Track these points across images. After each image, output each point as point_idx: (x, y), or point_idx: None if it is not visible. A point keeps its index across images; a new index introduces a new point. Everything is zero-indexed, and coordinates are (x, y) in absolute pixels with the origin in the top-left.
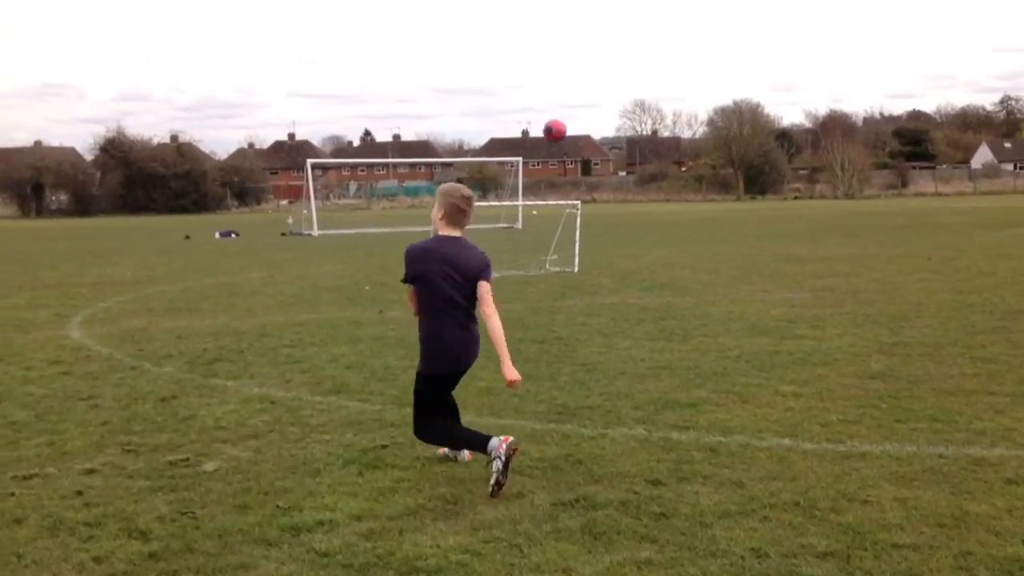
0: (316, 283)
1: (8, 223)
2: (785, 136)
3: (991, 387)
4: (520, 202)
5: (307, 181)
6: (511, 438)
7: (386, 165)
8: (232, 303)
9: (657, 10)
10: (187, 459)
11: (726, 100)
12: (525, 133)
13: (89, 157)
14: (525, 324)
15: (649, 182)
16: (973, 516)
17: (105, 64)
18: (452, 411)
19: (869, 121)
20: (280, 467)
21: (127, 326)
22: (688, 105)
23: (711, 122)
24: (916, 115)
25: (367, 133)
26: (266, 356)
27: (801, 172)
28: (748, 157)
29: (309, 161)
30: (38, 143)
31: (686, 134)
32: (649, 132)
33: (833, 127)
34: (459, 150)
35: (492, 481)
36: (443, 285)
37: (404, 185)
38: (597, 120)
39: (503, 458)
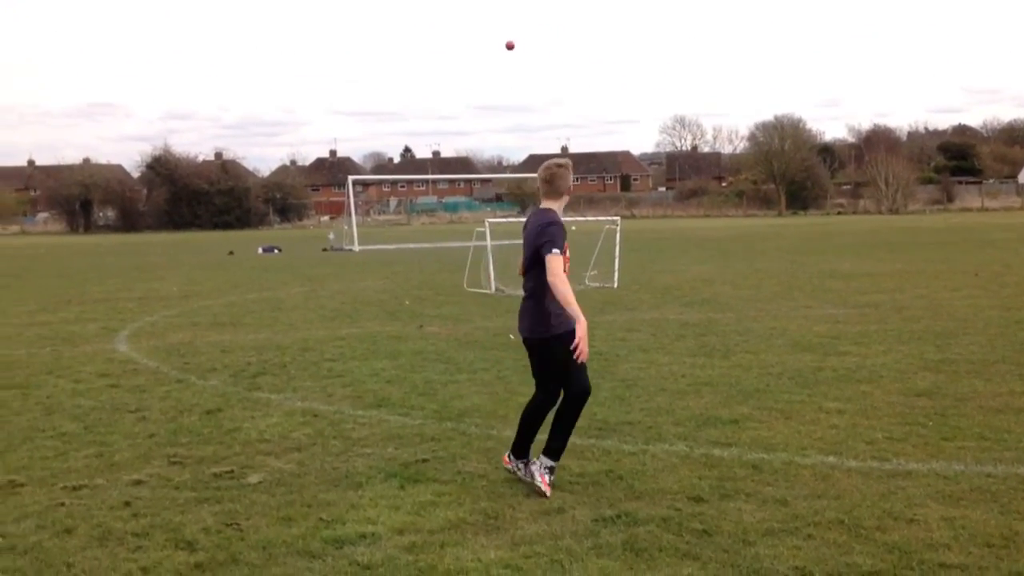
0: (357, 298)
1: (57, 239)
2: (828, 151)
3: None
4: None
5: (348, 197)
6: (550, 484)
7: (426, 181)
8: (275, 317)
9: (698, 26)
10: (232, 471)
11: (768, 116)
12: (564, 149)
13: (136, 174)
14: None
15: (689, 197)
16: (1023, 536)
17: (152, 83)
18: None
19: (913, 136)
20: (323, 480)
21: (173, 340)
22: (729, 121)
23: (752, 137)
24: (961, 129)
25: (407, 150)
26: (308, 370)
27: (844, 187)
28: (790, 172)
29: (350, 178)
30: (87, 160)
31: (727, 149)
32: (689, 148)
33: (877, 142)
34: (498, 166)
35: (518, 469)
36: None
37: (443, 201)
38: (637, 136)
39: (533, 477)
